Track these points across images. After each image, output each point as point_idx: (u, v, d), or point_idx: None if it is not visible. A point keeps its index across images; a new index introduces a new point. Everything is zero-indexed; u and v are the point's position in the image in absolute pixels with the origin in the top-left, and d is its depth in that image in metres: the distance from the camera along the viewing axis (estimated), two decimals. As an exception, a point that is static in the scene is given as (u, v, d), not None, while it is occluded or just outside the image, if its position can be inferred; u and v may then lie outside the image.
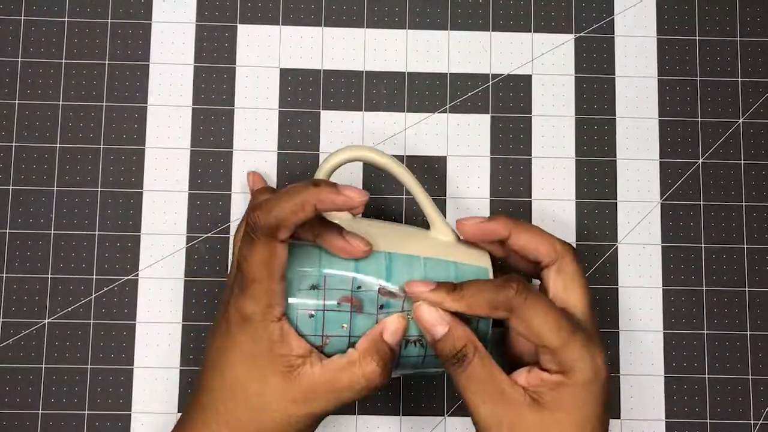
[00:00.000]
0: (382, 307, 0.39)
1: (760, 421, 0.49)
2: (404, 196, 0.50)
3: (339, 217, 0.41)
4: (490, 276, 0.41)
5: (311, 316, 0.39)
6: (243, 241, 0.38)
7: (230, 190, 0.49)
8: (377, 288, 0.39)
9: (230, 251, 0.49)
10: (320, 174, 0.42)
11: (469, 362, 0.38)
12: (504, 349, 0.42)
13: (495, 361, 0.38)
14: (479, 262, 0.41)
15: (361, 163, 0.50)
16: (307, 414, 0.38)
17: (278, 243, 0.37)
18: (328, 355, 0.39)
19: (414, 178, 0.42)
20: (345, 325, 0.39)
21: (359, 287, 0.39)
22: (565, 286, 0.40)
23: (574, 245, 0.50)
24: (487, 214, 0.50)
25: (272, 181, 0.50)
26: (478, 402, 0.38)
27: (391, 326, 0.39)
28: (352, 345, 0.39)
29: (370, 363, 0.38)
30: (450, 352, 0.38)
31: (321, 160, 0.48)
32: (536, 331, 0.37)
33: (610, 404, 0.39)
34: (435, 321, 0.38)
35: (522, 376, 0.39)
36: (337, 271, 0.39)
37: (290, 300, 0.39)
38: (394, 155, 0.50)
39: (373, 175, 0.50)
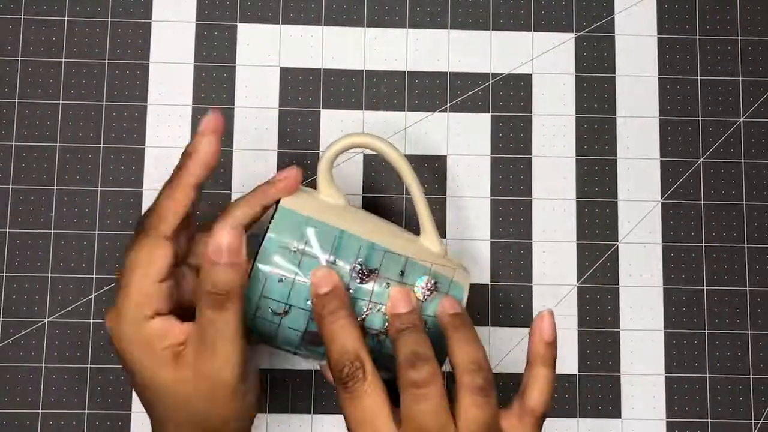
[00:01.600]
0: (349, 290, 0.39)
1: (761, 421, 0.49)
2: (404, 196, 0.50)
3: (335, 203, 0.42)
4: (465, 295, 0.41)
5: (280, 280, 0.39)
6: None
7: (230, 190, 0.49)
8: (349, 269, 0.39)
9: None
10: (323, 162, 0.41)
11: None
12: None
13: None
14: (458, 280, 0.41)
15: (362, 161, 0.50)
16: (207, 391, 0.38)
17: (164, 239, 0.38)
18: (288, 327, 0.39)
19: (416, 178, 0.42)
20: (310, 302, 0.39)
21: (334, 264, 0.39)
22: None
23: (575, 245, 0.50)
24: (487, 213, 0.50)
25: (272, 180, 0.50)
26: None
27: (224, 240, 0.37)
28: (311, 320, 0.39)
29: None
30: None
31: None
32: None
33: None
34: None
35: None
36: (316, 249, 0.39)
37: (263, 265, 0.39)
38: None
39: (374, 174, 0.50)
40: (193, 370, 0.37)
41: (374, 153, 0.49)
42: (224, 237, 0.37)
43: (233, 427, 0.39)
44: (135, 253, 0.38)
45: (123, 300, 0.38)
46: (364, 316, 0.40)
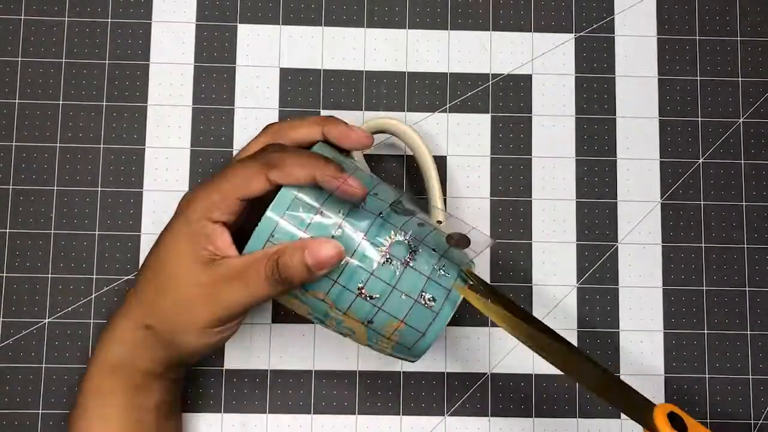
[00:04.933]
0: (381, 214, 0.40)
1: (760, 421, 0.49)
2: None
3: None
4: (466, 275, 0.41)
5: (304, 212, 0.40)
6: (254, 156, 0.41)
7: (230, 190, 0.49)
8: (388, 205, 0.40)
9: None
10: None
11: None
12: None
13: None
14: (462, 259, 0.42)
15: (362, 159, 0.50)
16: (206, 302, 0.39)
17: (269, 182, 0.39)
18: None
19: (435, 167, 0.45)
20: (341, 212, 0.40)
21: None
22: None
23: (575, 245, 0.50)
24: (488, 213, 0.50)
25: (272, 180, 0.50)
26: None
27: (321, 252, 0.39)
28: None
29: (263, 272, 0.39)
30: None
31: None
32: None
33: None
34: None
35: None
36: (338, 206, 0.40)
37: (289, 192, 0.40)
38: (393, 155, 0.50)
39: (374, 174, 0.50)
40: (211, 281, 0.39)
41: (373, 154, 0.49)
42: (329, 250, 0.38)
43: (189, 348, 0.41)
44: (240, 168, 0.40)
45: (203, 193, 0.40)
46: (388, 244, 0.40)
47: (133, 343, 0.41)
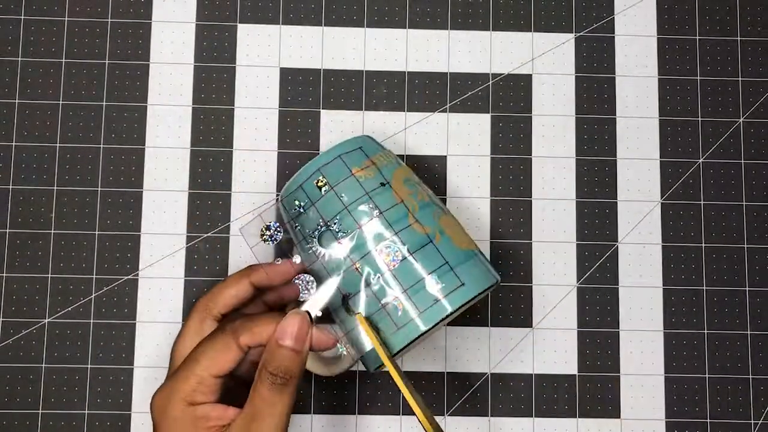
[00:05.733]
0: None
1: (760, 421, 0.49)
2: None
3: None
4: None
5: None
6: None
7: (230, 190, 0.49)
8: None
9: (230, 254, 0.49)
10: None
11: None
12: None
13: None
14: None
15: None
16: None
17: (240, 349, 0.39)
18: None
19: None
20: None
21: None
22: None
23: (575, 245, 0.50)
24: (488, 213, 0.50)
25: (272, 180, 0.50)
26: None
27: (291, 328, 0.39)
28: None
29: (267, 393, 0.38)
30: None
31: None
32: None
33: None
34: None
35: None
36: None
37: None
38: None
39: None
40: None
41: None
42: (294, 323, 0.39)
43: None
44: (207, 345, 0.39)
45: (181, 383, 0.39)
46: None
47: None
